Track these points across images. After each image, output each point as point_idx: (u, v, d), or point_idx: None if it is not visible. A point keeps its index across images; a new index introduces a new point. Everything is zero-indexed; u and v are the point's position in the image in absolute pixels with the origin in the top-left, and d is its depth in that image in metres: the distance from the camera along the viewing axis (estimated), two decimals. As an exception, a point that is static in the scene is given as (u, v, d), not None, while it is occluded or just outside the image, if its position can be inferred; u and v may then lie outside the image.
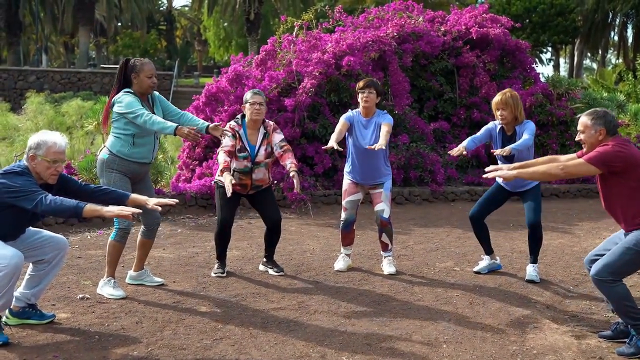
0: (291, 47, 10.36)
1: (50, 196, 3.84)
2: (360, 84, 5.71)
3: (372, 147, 5.32)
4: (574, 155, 4.35)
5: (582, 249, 6.94)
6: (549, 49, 39.83)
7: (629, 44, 39.17)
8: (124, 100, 4.85)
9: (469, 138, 5.56)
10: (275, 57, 10.44)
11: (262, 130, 5.52)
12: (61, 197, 3.89)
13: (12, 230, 4.07)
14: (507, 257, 6.39)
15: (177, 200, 4.39)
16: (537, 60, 45.55)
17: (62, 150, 4.05)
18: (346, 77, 10.07)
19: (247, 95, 5.53)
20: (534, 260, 5.65)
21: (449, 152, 5.71)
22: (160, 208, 4.13)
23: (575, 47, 39.55)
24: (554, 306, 4.92)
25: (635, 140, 11.52)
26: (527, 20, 31.86)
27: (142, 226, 5.19)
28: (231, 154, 5.42)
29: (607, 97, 13.46)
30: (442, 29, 11.78)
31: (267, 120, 5.59)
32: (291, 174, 5.40)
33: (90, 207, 3.85)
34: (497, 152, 5.30)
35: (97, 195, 4.20)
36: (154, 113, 4.99)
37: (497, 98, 5.49)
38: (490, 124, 5.64)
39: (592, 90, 16.50)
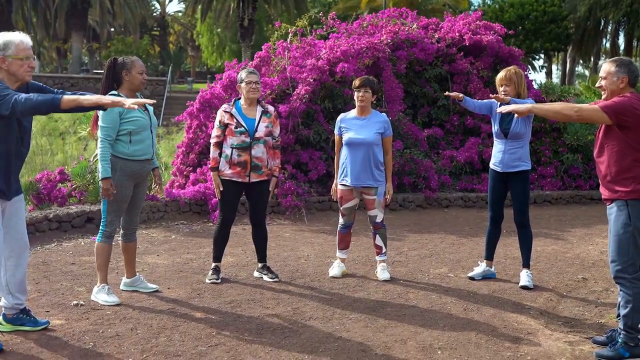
0: (285, 53, 10.39)
1: (23, 95, 3.77)
2: (356, 82, 5.70)
3: (387, 198, 5.80)
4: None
5: (575, 255, 6.97)
6: (542, 55, 40.00)
7: (621, 51, 39.36)
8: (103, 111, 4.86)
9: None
10: (269, 64, 10.46)
11: (259, 108, 5.58)
12: (35, 94, 3.82)
13: (6, 163, 4.00)
14: (500, 264, 6.40)
15: (154, 101, 4.29)
16: (529, 67, 45.67)
17: (30, 46, 4.06)
18: (340, 84, 10.10)
19: (242, 74, 5.56)
20: (527, 264, 5.69)
21: (445, 93, 5.98)
22: (136, 107, 3.82)
23: (568, 54, 39.75)
24: (547, 312, 4.94)
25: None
26: (520, 27, 32.06)
27: (121, 229, 5.22)
28: (220, 145, 5.53)
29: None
30: (436, 35, 11.82)
31: (262, 101, 5.66)
32: (272, 177, 5.73)
33: (68, 97, 3.80)
34: (495, 96, 5.31)
35: None
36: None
37: (501, 74, 5.53)
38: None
39: (585, 97, 16.59)
